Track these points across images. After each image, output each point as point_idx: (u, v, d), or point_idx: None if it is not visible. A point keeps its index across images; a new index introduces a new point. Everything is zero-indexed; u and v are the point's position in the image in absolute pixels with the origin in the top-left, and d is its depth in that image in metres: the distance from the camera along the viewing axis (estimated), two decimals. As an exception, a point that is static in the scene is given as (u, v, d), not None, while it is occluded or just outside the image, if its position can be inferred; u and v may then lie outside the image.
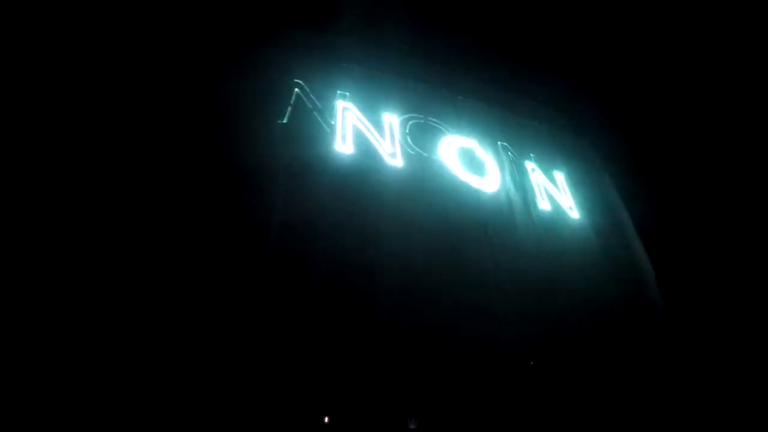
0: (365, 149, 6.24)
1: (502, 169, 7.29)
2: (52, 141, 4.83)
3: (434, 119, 7.05)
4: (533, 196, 7.44)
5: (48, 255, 4.51)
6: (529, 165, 7.71)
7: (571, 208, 7.72)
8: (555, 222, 7.41)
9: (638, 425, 5.98)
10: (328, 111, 6.22)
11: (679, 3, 7.42)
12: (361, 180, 5.98)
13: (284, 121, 5.89)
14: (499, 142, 7.52)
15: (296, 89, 6.14)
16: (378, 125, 6.48)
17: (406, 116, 6.83)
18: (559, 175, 8.03)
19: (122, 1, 5.56)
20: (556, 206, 7.61)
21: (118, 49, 5.37)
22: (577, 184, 8.08)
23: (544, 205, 7.49)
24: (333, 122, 6.15)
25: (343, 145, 6.09)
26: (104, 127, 5.04)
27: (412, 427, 5.18)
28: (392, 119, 6.65)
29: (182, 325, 4.68)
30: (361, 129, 6.34)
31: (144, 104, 5.25)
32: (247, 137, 5.53)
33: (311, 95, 6.18)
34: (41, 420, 4.04)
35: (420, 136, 6.79)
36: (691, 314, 7.10)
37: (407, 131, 6.72)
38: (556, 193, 7.76)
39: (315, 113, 6.12)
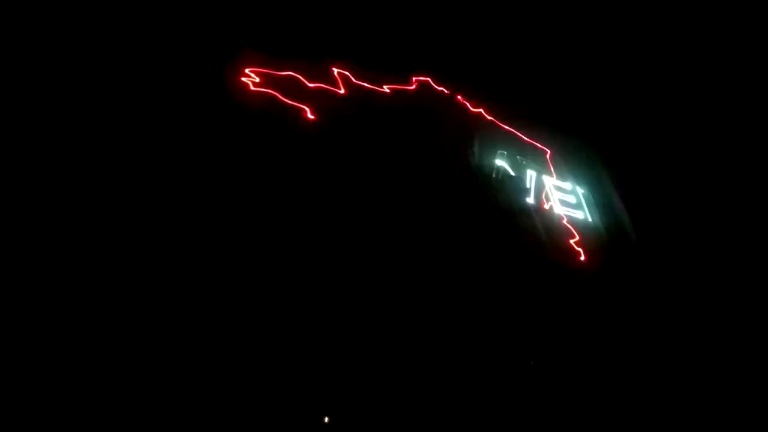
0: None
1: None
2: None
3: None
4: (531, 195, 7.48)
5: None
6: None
7: (570, 208, 7.75)
8: (555, 221, 7.44)
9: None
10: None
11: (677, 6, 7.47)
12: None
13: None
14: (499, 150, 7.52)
15: None
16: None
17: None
18: (556, 175, 8.05)
19: None
20: (555, 206, 7.64)
21: None
22: (578, 184, 8.11)
23: (543, 205, 7.52)
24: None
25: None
26: None
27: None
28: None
29: (182, 324, 4.69)
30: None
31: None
32: None
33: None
34: (41, 420, 4.03)
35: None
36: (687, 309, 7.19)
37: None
38: (554, 194, 7.78)
39: None
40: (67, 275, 4.49)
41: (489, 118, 7.62)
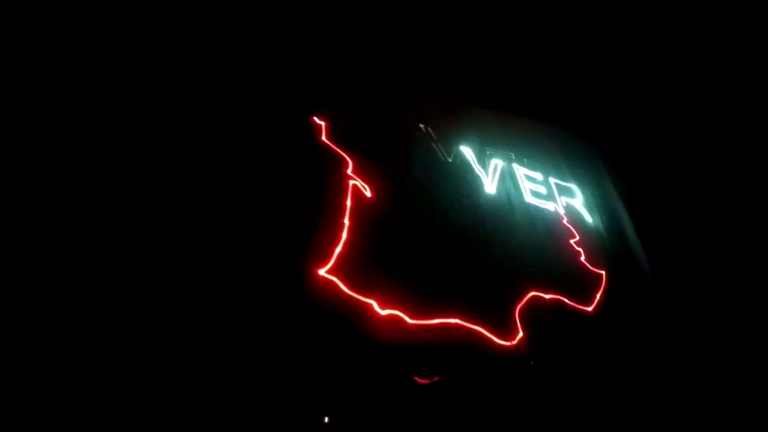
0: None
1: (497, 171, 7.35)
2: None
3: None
4: (532, 197, 7.46)
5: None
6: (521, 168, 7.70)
7: (568, 208, 7.74)
8: (556, 221, 7.43)
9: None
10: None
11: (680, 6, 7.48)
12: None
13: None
14: (487, 150, 7.48)
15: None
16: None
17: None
18: (558, 177, 8.05)
19: None
20: (554, 206, 7.63)
21: None
22: (576, 184, 8.10)
23: (543, 205, 7.51)
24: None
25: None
26: None
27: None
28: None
29: (182, 325, 4.68)
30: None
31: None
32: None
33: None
34: (41, 420, 4.02)
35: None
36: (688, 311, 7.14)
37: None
38: (555, 194, 7.77)
39: None
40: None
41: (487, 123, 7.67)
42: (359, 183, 5.88)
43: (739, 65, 7.65)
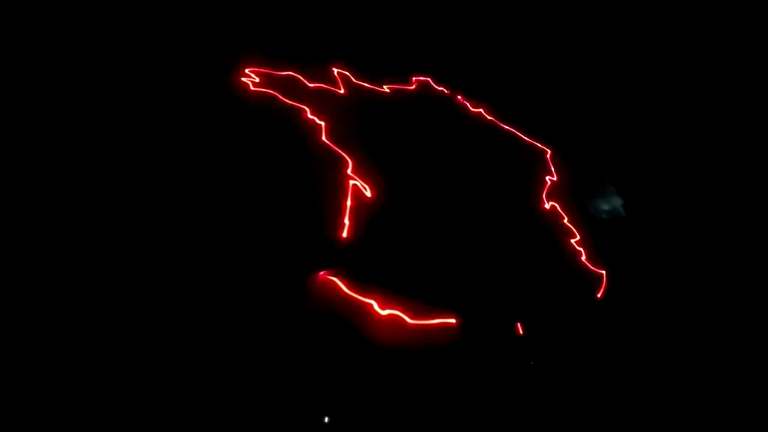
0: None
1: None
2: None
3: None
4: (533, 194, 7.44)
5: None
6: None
7: (567, 206, 7.72)
8: (554, 220, 7.41)
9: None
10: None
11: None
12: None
13: None
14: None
15: None
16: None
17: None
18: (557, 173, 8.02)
19: None
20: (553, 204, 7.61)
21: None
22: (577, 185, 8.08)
23: (542, 203, 7.49)
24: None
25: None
26: None
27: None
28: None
29: (182, 325, 4.68)
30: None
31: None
32: None
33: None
34: (41, 420, 4.03)
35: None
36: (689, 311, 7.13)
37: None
38: (554, 191, 7.74)
39: None
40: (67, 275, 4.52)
41: (489, 117, 7.62)
42: (359, 183, 5.88)
43: (738, 64, 7.66)
